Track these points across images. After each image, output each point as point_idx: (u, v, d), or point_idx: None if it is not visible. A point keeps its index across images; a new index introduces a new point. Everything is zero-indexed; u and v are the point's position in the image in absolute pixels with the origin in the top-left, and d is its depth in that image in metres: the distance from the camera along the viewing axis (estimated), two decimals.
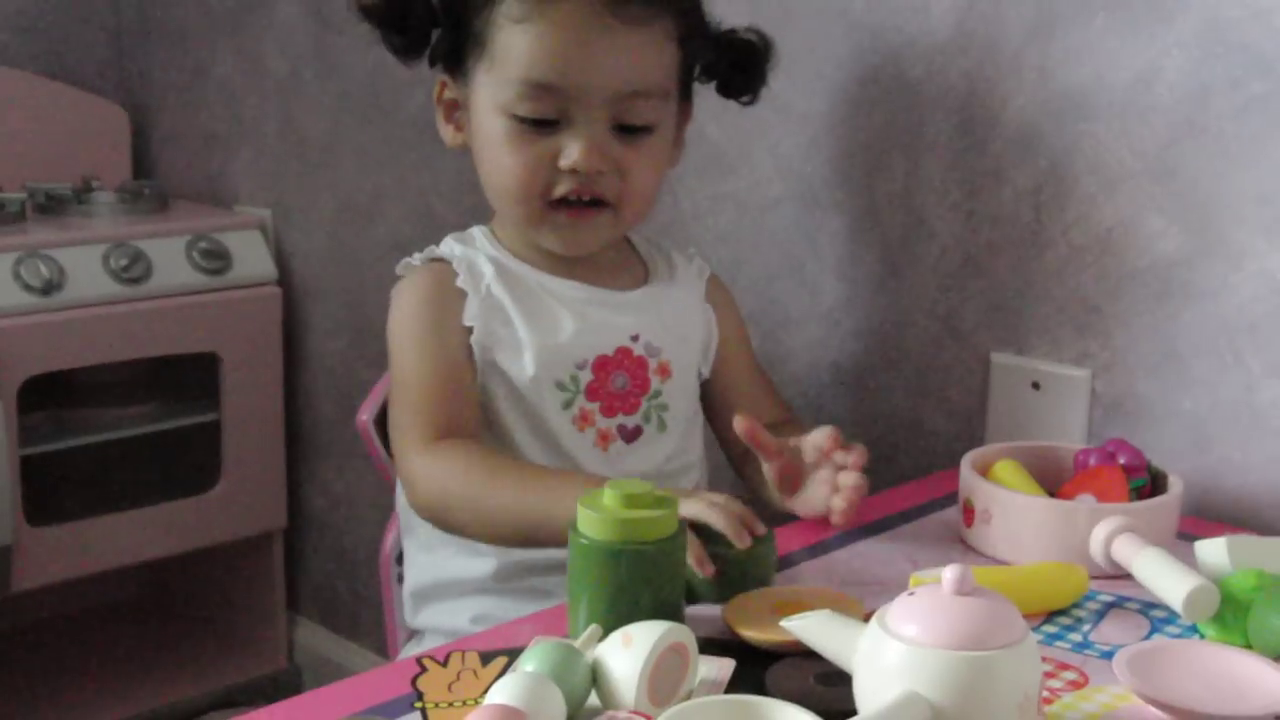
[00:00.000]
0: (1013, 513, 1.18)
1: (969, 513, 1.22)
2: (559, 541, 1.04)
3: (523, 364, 1.27)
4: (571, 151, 1.23)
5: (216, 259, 2.20)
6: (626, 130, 1.24)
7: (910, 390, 1.51)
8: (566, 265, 1.31)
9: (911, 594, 0.85)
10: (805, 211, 1.56)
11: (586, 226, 1.29)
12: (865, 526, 1.26)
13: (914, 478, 1.49)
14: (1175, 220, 1.30)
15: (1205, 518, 1.31)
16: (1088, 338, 1.38)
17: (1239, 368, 1.29)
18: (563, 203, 1.27)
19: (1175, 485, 1.21)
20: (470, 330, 1.27)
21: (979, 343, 1.45)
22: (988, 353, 1.45)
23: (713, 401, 1.39)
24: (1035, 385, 1.41)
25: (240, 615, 2.43)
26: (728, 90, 1.35)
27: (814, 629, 0.88)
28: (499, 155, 1.25)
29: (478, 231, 1.35)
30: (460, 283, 1.29)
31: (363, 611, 2.33)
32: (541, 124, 1.23)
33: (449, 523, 1.24)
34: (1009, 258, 1.41)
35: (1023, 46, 1.37)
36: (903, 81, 1.46)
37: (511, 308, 1.28)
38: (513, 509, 1.19)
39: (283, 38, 2.23)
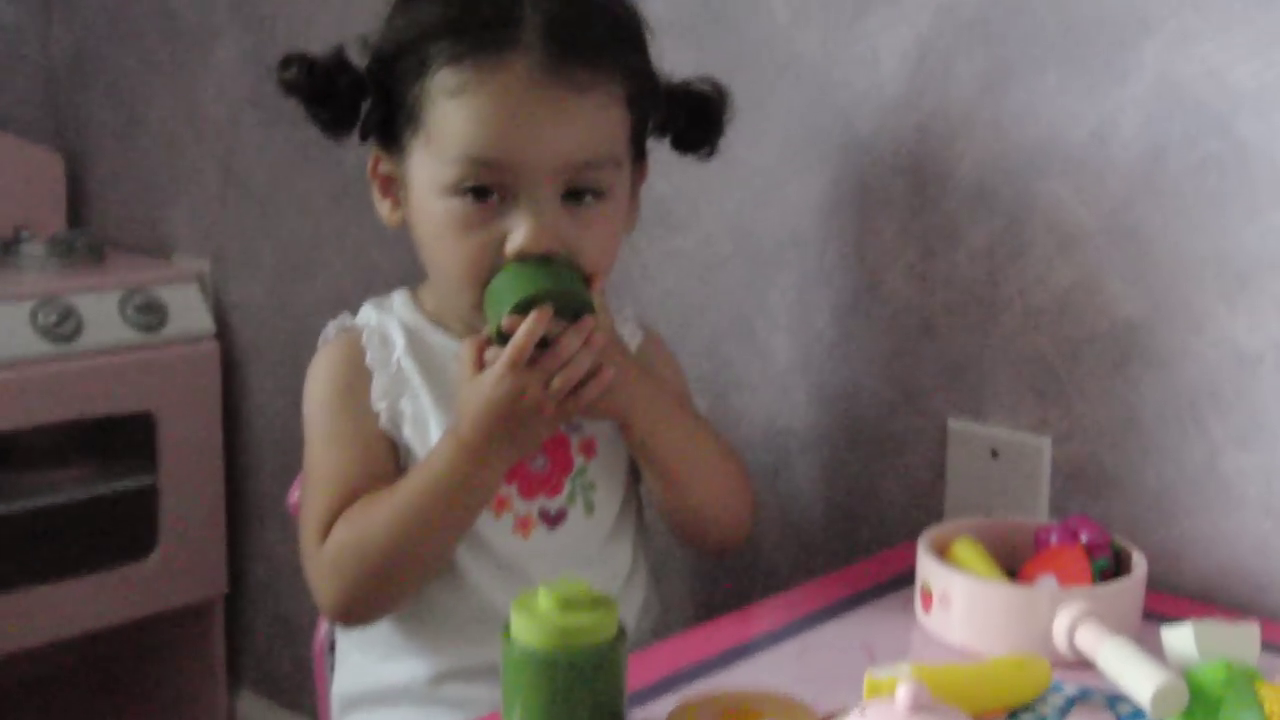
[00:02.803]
0: (972, 598, 1.13)
1: (927, 597, 1.17)
2: (467, 500, 1.13)
3: (430, 443, 1.20)
4: (519, 234, 1.14)
5: (152, 313, 2.13)
6: (578, 199, 1.17)
7: (866, 457, 1.46)
8: None
9: (864, 712, 0.80)
10: (755, 270, 1.51)
11: None
12: (823, 610, 1.20)
13: (872, 549, 1.44)
14: (1135, 283, 1.25)
15: (1171, 592, 1.26)
16: (1047, 404, 1.33)
17: (1202, 437, 1.24)
18: None
19: (1139, 565, 1.16)
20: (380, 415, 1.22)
21: (936, 409, 1.40)
22: (945, 419, 1.40)
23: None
24: (994, 453, 1.36)
25: (180, 686, 2.35)
26: (684, 145, 1.30)
27: None
28: (441, 238, 1.18)
29: (398, 297, 1.29)
30: (369, 360, 1.23)
31: (306, 682, 2.26)
32: (485, 202, 1.15)
33: (367, 601, 1.19)
34: (965, 320, 1.36)
35: (975, 101, 1.32)
36: (853, 137, 1.41)
37: (421, 382, 1.23)
38: (401, 509, 1.15)
39: (222, 81, 2.17)
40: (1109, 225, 1.26)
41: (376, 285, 1.35)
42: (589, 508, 1.26)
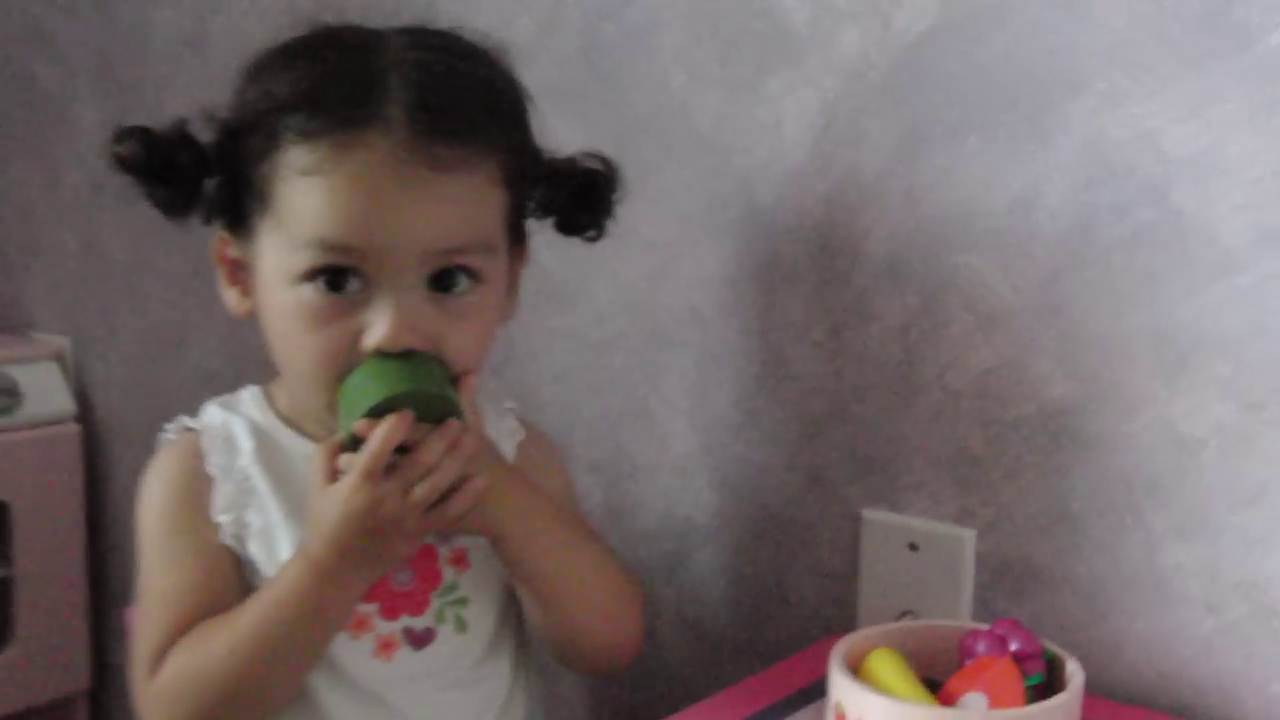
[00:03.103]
0: None
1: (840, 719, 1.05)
2: (320, 626, 1.03)
3: (278, 560, 1.08)
4: (377, 328, 1.01)
5: (7, 395, 1.99)
6: (447, 288, 1.05)
7: (773, 549, 1.35)
8: None
9: None
10: (650, 349, 1.40)
11: None
12: None
13: (782, 649, 1.34)
14: (1062, 363, 1.16)
15: (1106, 695, 1.16)
16: (969, 493, 1.22)
17: (1139, 528, 1.14)
18: None
19: (1075, 677, 1.05)
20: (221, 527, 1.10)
21: (848, 498, 1.30)
22: (859, 509, 1.29)
23: None
24: (913, 546, 1.26)
25: None
26: (568, 227, 1.18)
27: None
28: (291, 332, 1.06)
29: (248, 394, 1.17)
30: (211, 466, 1.10)
31: None
32: (341, 294, 1.03)
33: None
34: (878, 403, 1.26)
35: (886, 169, 1.22)
36: (755, 207, 1.31)
37: (269, 491, 1.11)
38: (244, 637, 1.04)
39: (82, 149, 2.03)
40: (1034, 302, 1.16)
41: (249, 364, 1.22)
42: (460, 625, 1.14)
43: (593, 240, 1.18)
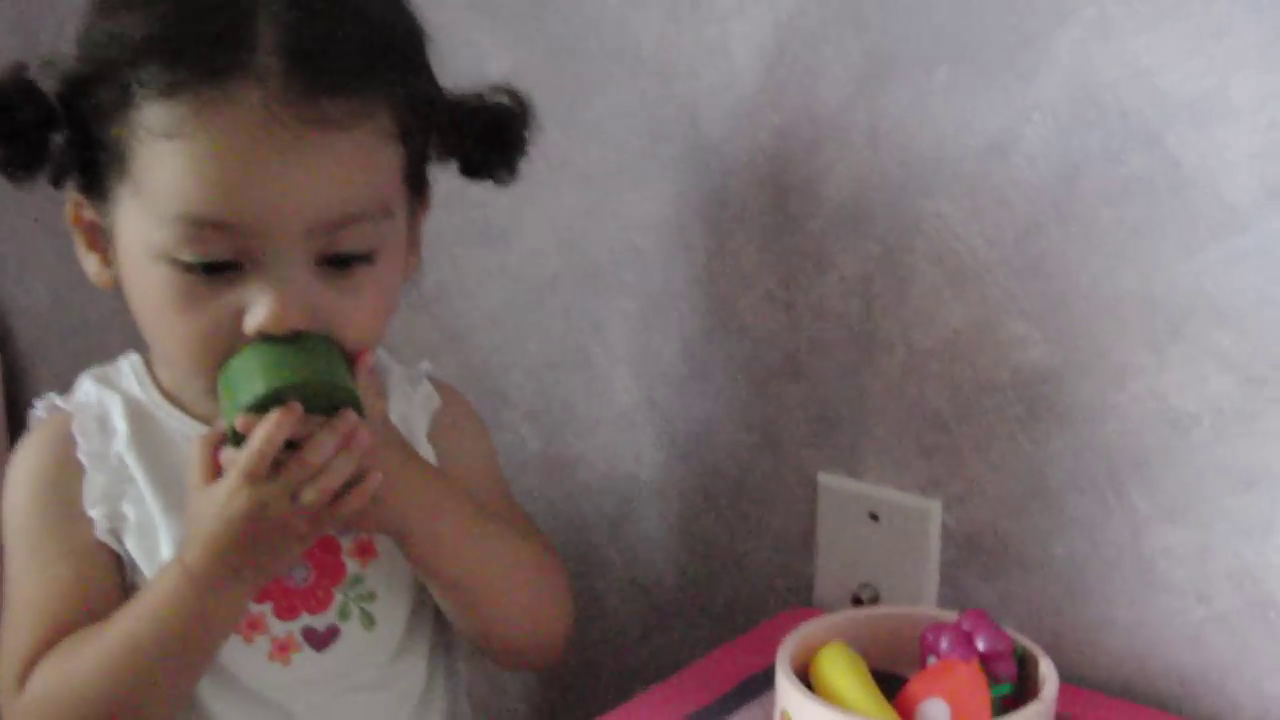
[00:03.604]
0: None
1: None
2: (201, 638, 0.92)
3: (159, 559, 0.96)
4: (258, 311, 0.89)
5: None
6: (335, 262, 0.92)
7: (726, 513, 1.24)
8: None
9: None
10: (589, 292, 1.27)
11: None
12: None
13: (732, 616, 1.24)
14: (1040, 325, 1.04)
15: (1083, 685, 1.06)
16: (936, 463, 1.11)
17: (1123, 508, 1.03)
18: None
19: (1049, 682, 0.95)
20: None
21: (804, 461, 1.18)
22: (815, 473, 1.17)
23: None
24: (873, 516, 1.15)
25: None
26: (476, 171, 1.04)
27: None
28: (160, 313, 0.92)
29: (127, 365, 1.04)
30: (82, 452, 0.98)
31: None
32: (217, 271, 0.90)
33: None
34: (837, 361, 1.14)
35: (848, 102, 1.09)
36: (701, 140, 1.17)
37: (145, 479, 0.98)
38: (118, 650, 0.93)
39: None
40: (1010, 257, 1.04)
41: None
42: (368, 621, 1.02)
43: (504, 183, 1.04)
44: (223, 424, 0.91)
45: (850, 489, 1.16)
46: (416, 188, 0.99)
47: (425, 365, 1.12)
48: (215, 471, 0.91)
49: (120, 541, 0.98)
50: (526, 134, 1.03)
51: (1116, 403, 1.02)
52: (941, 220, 1.06)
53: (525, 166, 1.17)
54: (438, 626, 1.09)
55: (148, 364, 1.03)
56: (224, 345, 0.90)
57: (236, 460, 0.89)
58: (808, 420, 1.17)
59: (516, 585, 1.04)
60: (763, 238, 1.16)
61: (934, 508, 1.12)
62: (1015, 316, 1.05)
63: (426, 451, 1.06)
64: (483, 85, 1.03)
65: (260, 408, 0.88)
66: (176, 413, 1.00)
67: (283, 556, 0.92)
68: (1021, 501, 1.08)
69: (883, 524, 1.15)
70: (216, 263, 0.89)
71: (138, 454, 0.98)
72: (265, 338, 0.89)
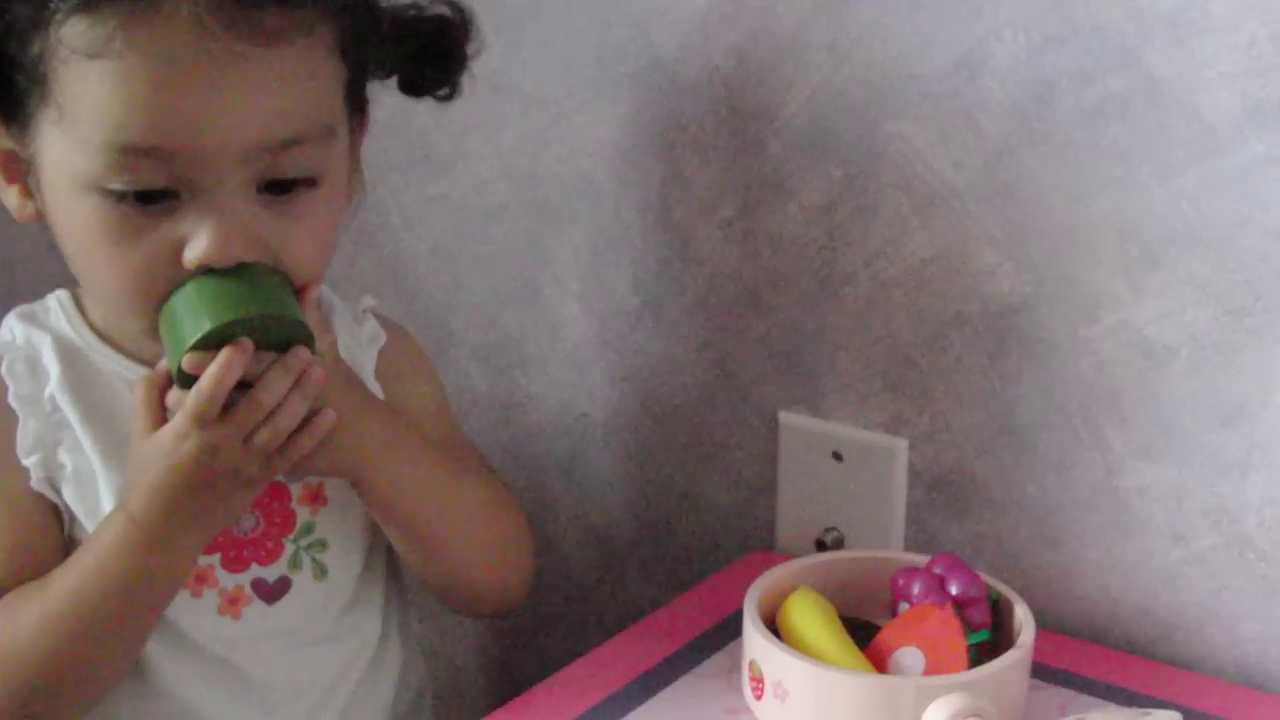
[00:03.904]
0: (814, 691, 0.87)
1: (757, 682, 0.90)
2: (147, 593, 0.87)
3: (99, 510, 0.90)
4: (199, 242, 0.82)
5: None
6: (278, 188, 0.85)
7: (683, 454, 1.18)
8: None
9: None
10: (538, 222, 1.21)
11: None
12: (631, 687, 0.95)
13: (694, 566, 1.19)
14: (1011, 254, 0.98)
15: (1057, 630, 1.02)
16: (902, 399, 1.06)
17: (1097, 445, 0.98)
18: None
19: (1025, 628, 0.91)
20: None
21: (764, 398, 1.13)
22: (776, 412, 1.12)
23: None
24: (837, 455, 1.10)
25: None
26: (414, 88, 0.98)
27: None
28: (91, 248, 0.85)
29: (55, 302, 0.96)
30: (12, 397, 0.91)
31: None
32: (151, 200, 0.83)
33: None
34: (798, 292, 1.08)
35: (807, 18, 1.03)
36: (653, 58, 1.11)
37: (82, 424, 0.91)
38: (60, 609, 0.88)
39: None
40: (979, 182, 0.98)
41: (13, 296, 1.02)
42: (320, 571, 0.97)
43: (445, 99, 0.98)
44: (166, 364, 0.85)
45: (813, 428, 1.11)
46: (357, 106, 0.93)
47: (369, 300, 1.06)
48: (160, 416, 0.86)
49: (58, 491, 0.91)
50: (468, 46, 0.96)
51: (1090, 335, 0.97)
52: (907, 144, 1.01)
53: (469, 89, 1.11)
54: (391, 577, 1.04)
55: (77, 301, 0.96)
56: (163, 281, 0.84)
57: (184, 403, 0.83)
58: (768, 356, 1.12)
59: (478, 526, 0.99)
60: (719, 163, 1.10)
61: (900, 446, 1.07)
62: (984, 245, 1.00)
63: (375, 391, 1.00)
64: None
65: (207, 345, 0.82)
66: (112, 353, 0.93)
67: (234, 503, 0.87)
68: (991, 439, 1.03)
69: (847, 464, 1.10)
70: (150, 191, 0.82)
71: (72, 397, 0.92)
72: (208, 271, 0.83)
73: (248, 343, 0.83)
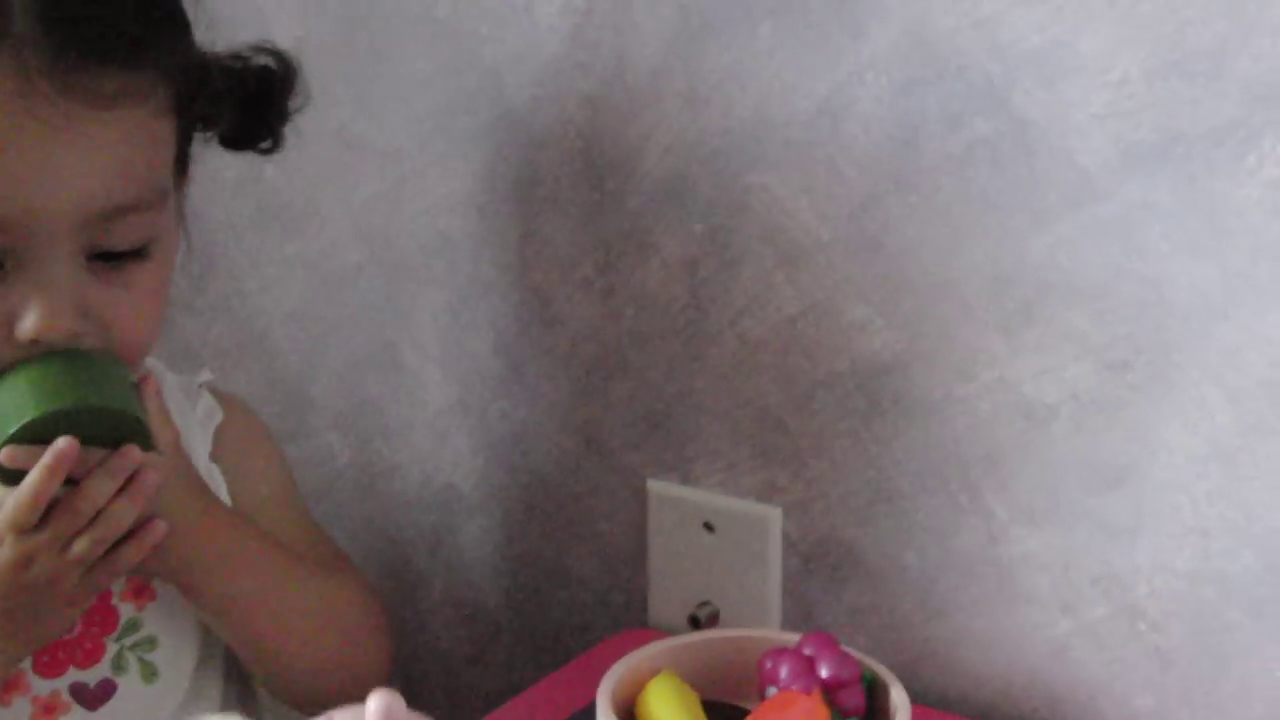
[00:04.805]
0: None
1: None
2: None
3: None
4: (29, 318, 0.77)
5: None
6: (108, 257, 0.80)
7: (550, 526, 1.12)
8: None
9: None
10: (395, 283, 1.15)
11: None
12: None
13: (567, 643, 1.13)
14: (881, 310, 0.93)
15: (942, 707, 0.95)
16: (774, 465, 1.00)
17: (977, 511, 0.93)
18: None
19: (900, 714, 0.84)
20: None
21: (631, 466, 1.06)
22: (643, 479, 1.06)
23: None
24: (708, 526, 1.03)
25: None
26: (235, 142, 0.92)
27: None
28: None
29: None
30: None
31: None
32: None
33: None
34: (662, 354, 1.02)
35: (662, 65, 0.97)
36: (506, 109, 1.05)
37: None
38: None
39: None
40: (846, 234, 0.93)
41: None
42: (149, 674, 0.89)
43: (266, 153, 0.92)
44: None
45: (683, 496, 1.05)
46: (182, 164, 0.86)
47: (205, 374, 0.99)
48: None
49: None
50: (291, 99, 0.90)
51: (965, 394, 0.91)
52: (770, 195, 0.95)
53: (318, 144, 1.05)
54: (231, 672, 0.96)
55: None
56: None
57: (1, 503, 0.75)
58: (634, 421, 1.06)
59: (325, 634, 0.92)
60: (577, 218, 1.04)
61: (773, 515, 1.01)
62: (854, 300, 0.94)
63: (211, 475, 0.93)
64: (241, 45, 0.90)
65: (32, 438, 0.76)
66: None
67: (51, 621, 0.80)
68: (867, 506, 0.97)
69: (719, 534, 1.04)
70: None
71: None
72: (37, 356, 0.77)
73: (73, 442, 0.76)
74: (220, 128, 0.90)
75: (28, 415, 0.76)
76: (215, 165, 0.94)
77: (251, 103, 0.90)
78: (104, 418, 0.78)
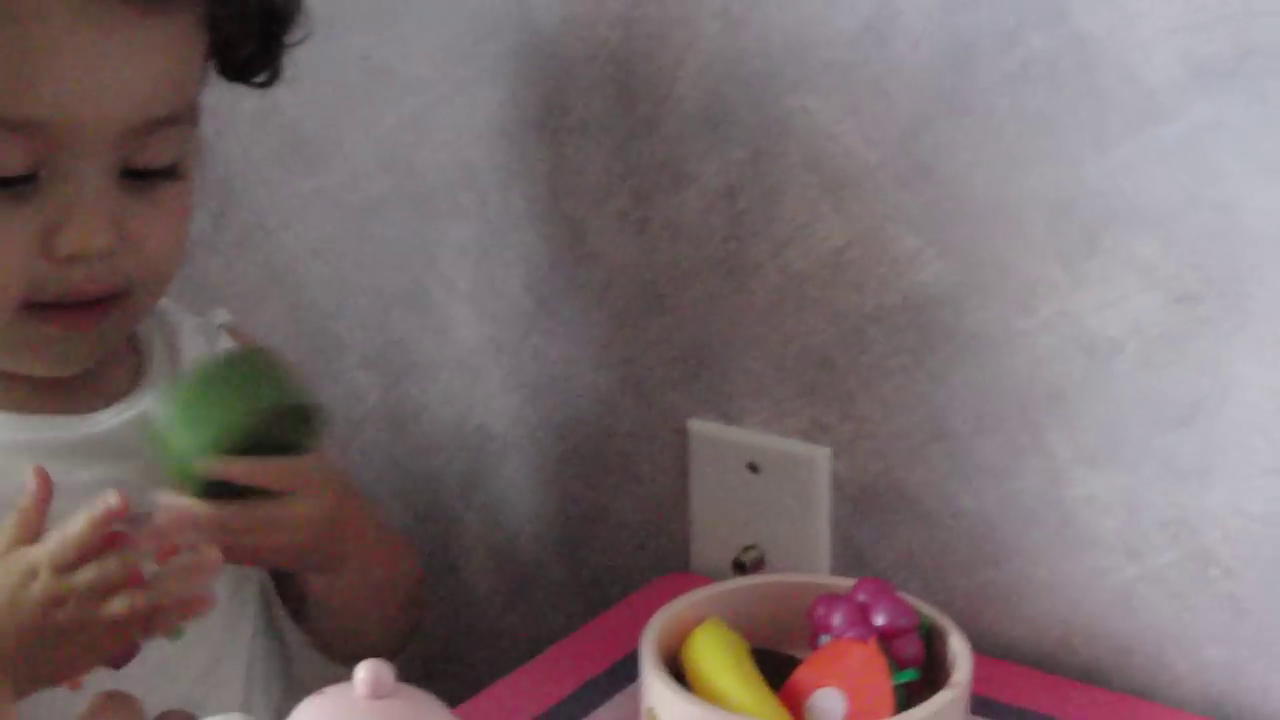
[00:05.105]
0: None
1: None
2: None
3: None
4: (69, 233, 0.74)
5: None
6: (138, 177, 0.77)
7: (588, 468, 1.08)
8: None
9: (323, 694, 0.64)
10: (421, 217, 1.10)
11: (91, 336, 0.81)
12: None
13: (606, 590, 1.09)
14: (933, 239, 0.88)
15: (998, 655, 0.91)
16: (820, 403, 0.95)
17: (1038, 451, 0.88)
18: (50, 306, 0.78)
19: (961, 663, 0.80)
20: None
21: (671, 406, 1.02)
22: (684, 420, 1.01)
23: None
24: (753, 467, 0.99)
25: None
26: (236, 71, 0.87)
27: None
28: None
29: None
30: None
31: None
32: (6, 185, 0.74)
33: None
34: (702, 287, 0.98)
35: None
36: (533, 34, 1.00)
37: None
38: None
39: None
40: (894, 159, 0.87)
41: None
42: (175, 633, 0.85)
43: (264, 86, 0.88)
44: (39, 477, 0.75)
45: (725, 437, 1.00)
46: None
47: (223, 315, 0.95)
48: (33, 533, 0.74)
49: None
50: (294, 30, 0.85)
51: (1024, 328, 0.86)
52: (812, 118, 0.90)
53: (339, 73, 1.00)
54: (258, 630, 0.93)
55: None
56: (21, 278, 0.75)
57: (50, 537, 0.72)
58: (673, 359, 1.01)
59: (396, 602, 0.93)
60: (610, 147, 0.99)
61: (821, 456, 0.97)
62: (904, 230, 0.89)
63: None
64: None
65: (229, 447, 0.76)
66: None
67: (68, 666, 0.75)
68: (921, 446, 0.92)
69: (764, 476, 0.99)
70: (9, 176, 0.74)
71: None
72: (208, 358, 0.80)
73: (122, 500, 0.72)
74: (240, 52, 0.85)
75: (222, 424, 0.76)
76: (231, 97, 0.90)
77: (261, 31, 0.85)
78: (290, 415, 0.79)
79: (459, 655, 1.20)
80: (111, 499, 0.72)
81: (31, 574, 0.72)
